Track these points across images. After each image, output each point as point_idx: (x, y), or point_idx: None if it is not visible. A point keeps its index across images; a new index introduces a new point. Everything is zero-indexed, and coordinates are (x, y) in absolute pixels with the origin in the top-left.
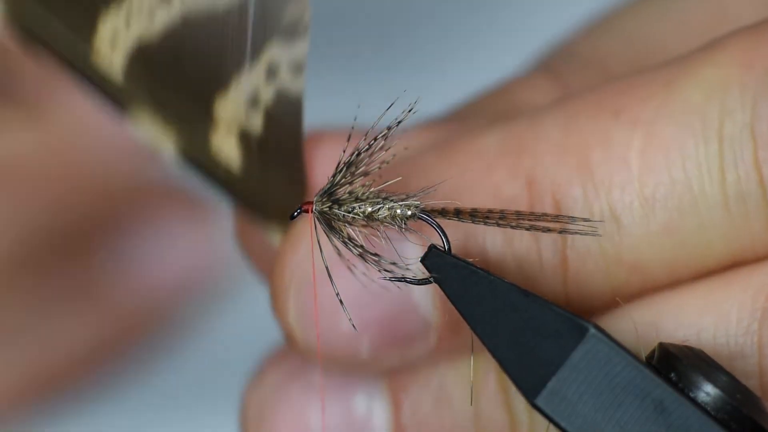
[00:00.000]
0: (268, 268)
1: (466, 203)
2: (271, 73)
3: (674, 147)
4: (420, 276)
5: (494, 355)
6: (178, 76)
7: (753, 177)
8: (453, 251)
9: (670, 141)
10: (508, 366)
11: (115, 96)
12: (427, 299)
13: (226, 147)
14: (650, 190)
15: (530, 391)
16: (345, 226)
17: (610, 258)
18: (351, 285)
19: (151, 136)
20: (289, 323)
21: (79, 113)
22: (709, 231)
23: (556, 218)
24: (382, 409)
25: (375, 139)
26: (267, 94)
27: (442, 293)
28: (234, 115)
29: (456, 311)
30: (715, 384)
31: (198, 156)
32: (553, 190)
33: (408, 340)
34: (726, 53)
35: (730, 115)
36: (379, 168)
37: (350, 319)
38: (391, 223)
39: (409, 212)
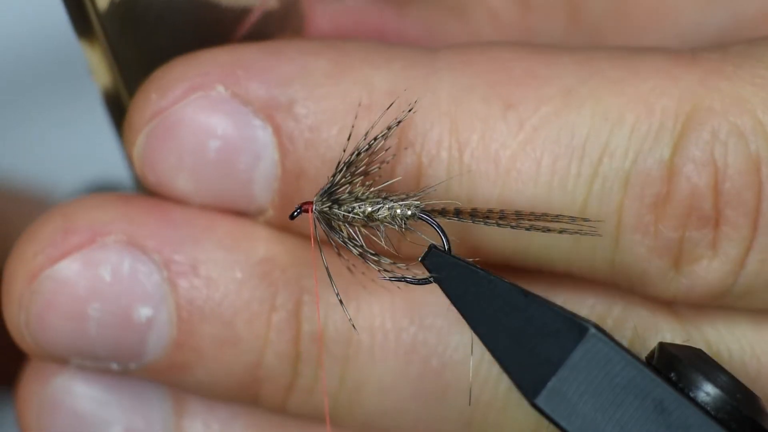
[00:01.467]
0: None
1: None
2: None
3: (547, 162)
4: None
5: (494, 355)
6: None
7: (612, 220)
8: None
9: (545, 154)
10: (508, 366)
11: None
12: (267, 191)
13: None
14: (511, 194)
15: (530, 391)
16: (345, 225)
17: None
18: (199, 150)
19: None
20: (133, 155)
21: None
22: (553, 249)
23: (556, 218)
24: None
25: (375, 139)
26: None
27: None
28: None
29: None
30: (715, 384)
31: None
32: (423, 144)
33: (233, 208)
34: (634, 87)
35: (611, 155)
36: (379, 168)
37: (351, 321)
38: (391, 223)
39: (409, 212)
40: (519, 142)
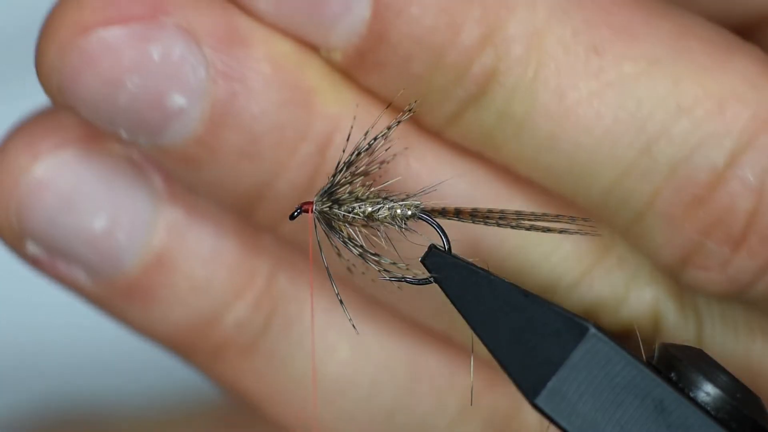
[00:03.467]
0: None
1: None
2: None
3: (607, 121)
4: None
5: (494, 355)
6: None
7: (644, 199)
8: (453, 251)
9: (608, 112)
10: (509, 366)
11: None
12: (345, 37)
13: None
14: (561, 134)
15: (530, 391)
16: (345, 225)
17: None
18: None
19: None
20: None
21: None
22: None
23: (556, 218)
24: None
25: (375, 139)
26: None
27: None
28: None
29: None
30: (715, 384)
31: None
32: (506, 52)
33: (303, 39)
34: (716, 82)
35: (668, 141)
36: (379, 168)
37: (351, 320)
38: (391, 223)
39: (409, 212)
40: (589, 90)
